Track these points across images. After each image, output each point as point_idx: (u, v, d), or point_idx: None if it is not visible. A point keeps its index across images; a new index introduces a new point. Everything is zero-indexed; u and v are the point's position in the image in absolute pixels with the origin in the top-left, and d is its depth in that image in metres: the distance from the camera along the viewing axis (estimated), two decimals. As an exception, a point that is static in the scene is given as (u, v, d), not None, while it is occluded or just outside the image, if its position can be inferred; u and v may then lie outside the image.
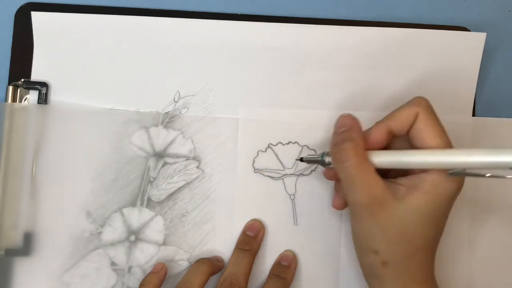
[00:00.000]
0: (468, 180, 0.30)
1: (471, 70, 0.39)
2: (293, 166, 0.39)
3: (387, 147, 0.33)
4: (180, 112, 0.39)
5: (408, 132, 0.31)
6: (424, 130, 0.31)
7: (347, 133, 0.32)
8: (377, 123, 0.33)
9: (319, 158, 0.34)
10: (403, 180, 0.31)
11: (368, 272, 0.33)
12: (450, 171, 0.29)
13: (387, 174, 0.33)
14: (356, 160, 0.31)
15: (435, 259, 0.32)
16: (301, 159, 0.36)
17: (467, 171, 0.28)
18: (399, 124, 0.32)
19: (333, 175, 0.35)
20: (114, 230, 0.37)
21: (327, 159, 0.33)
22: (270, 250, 0.38)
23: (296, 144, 0.39)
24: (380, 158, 0.31)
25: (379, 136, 0.32)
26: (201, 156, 0.38)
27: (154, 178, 0.38)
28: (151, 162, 0.38)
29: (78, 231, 0.37)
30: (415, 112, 0.31)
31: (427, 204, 0.30)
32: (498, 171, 0.28)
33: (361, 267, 0.33)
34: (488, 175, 0.28)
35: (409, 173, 0.31)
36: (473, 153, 0.28)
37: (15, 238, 0.36)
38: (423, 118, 0.31)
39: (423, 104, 0.31)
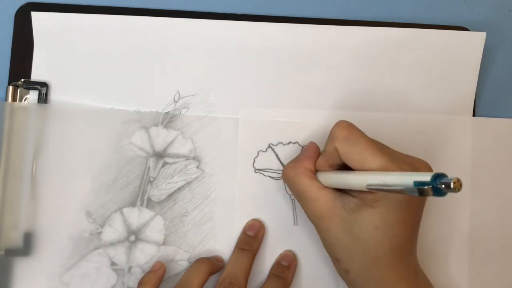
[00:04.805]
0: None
1: (471, 70, 0.39)
2: (293, 166, 0.39)
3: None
4: (180, 112, 0.38)
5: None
6: (348, 161, 0.31)
7: (295, 158, 0.35)
8: (320, 155, 0.34)
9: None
10: (355, 192, 0.31)
11: (342, 278, 0.33)
12: (367, 185, 0.28)
13: None
14: (296, 180, 0.33)
15: (413, 263, 0.32)
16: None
17: (382, 187, 0.27)
18: (330, 159, 0.32)
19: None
20: (114, 230, 0.37)
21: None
22: (270, 250, 0.38)
23: (296, 144, 0.39)
24: (323, 179, 0.33)
25: (322, 166, 0.33)
26: (201, 156, 0.38)
27: (154, 178, 0.38)
28: (151, 162, 0.38)
29: (78, 231, 0.37)
30: (334, 147, 0.31)
31: (373, 217, 0.30)
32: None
33: None
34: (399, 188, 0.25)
35: None
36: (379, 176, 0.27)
37: (15, 238, 0.36)
38: (342, 153, 0.31)
39: (338, 136, 0.31)
